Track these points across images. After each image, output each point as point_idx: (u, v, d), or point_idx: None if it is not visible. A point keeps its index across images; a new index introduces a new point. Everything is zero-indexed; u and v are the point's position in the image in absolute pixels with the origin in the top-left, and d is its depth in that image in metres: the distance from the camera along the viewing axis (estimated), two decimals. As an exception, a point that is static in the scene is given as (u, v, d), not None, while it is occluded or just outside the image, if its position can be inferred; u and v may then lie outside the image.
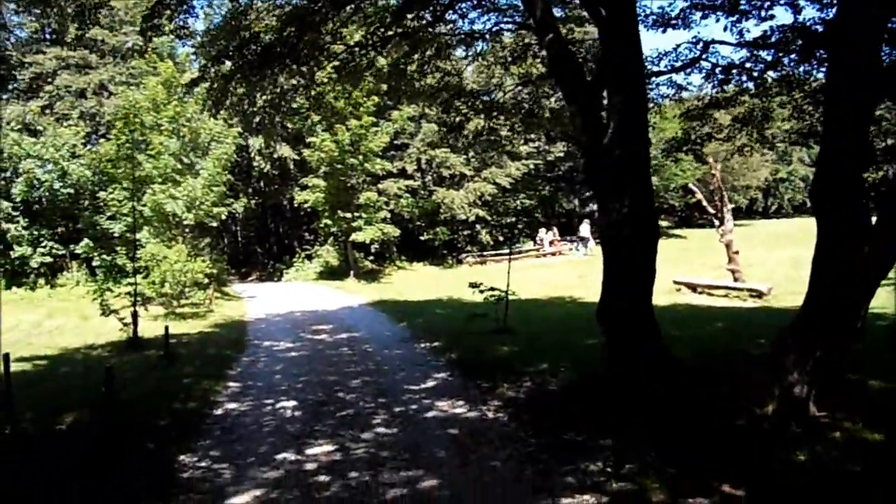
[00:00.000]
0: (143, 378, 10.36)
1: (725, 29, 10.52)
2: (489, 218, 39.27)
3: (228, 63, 10.67)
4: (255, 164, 36.57)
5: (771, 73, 11.26)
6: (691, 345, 9.98)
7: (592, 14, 8.29)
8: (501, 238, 40.29)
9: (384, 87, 21.40)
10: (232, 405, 8.63)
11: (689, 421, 6.36)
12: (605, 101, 8.44)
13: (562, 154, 41.96)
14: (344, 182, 30.60)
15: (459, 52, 14.99)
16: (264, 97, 12.58)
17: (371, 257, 35.56)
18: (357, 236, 30.61)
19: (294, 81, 12.91)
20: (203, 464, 6.42)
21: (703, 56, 10.41)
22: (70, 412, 8.25)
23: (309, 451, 6.62)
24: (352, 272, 31.44)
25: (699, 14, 10.94)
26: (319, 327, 15.66)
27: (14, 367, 12.17)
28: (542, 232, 39.03)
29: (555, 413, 7.37)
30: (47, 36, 39.02)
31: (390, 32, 11.41)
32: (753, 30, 50.05)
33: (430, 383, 9.47)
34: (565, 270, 28.37)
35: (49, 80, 35.84)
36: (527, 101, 13.96)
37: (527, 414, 7.57)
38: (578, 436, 6.58)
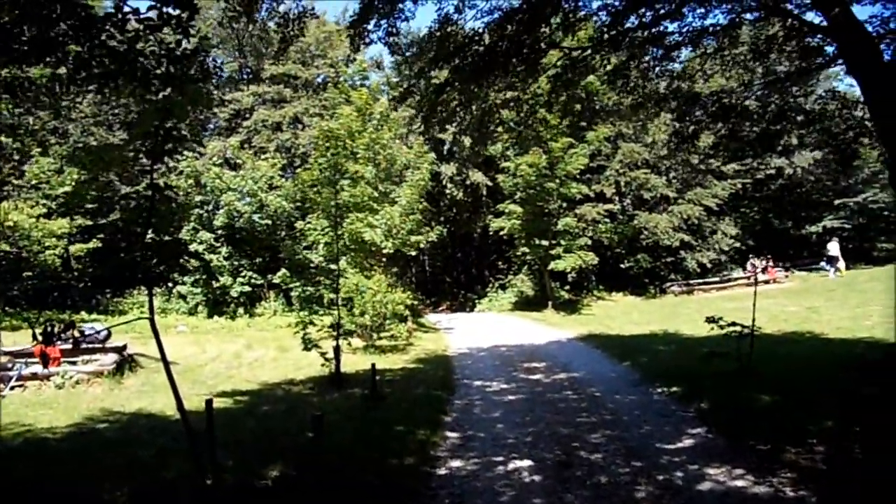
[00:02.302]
0: (350, 421, 9.69)
1: None
2: (695, 243, 36.77)
3: (439, 73, 10.00)
4: (446, 191, 36.56)
5: None
6: None
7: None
8: (709, 265, 37.56)
9: (577, 107, 20.48)
10: (455, 463, 7.63)
11: None
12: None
13: (773, 171, 38.66)
14: (541, 208, 29.59)
15: (686, 53, 13.55)
16: (474, 112, 11.78)
17: (567, 287, 34.18)
18: (556, 265, 29.40)
19: (506, 95, 12.10)
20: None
21: None
22: (274, 462, 7.59)
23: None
24: (549, 303, 30.26)
25: None
26: (531, 364, 14.54)
27: (217, 402, 11.98)
28: (753, 258, 36.04)
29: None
30: (245, 76, 41.59)
31: (612, 32, 10.28)
32: None
33: (687, 441, 8.01)
34: (787, 301, 25.52)
35: (247, 115, 38.07)
36: (775, 103, 12.25)
37: (844, 494, 6.00)
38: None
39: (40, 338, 4.66)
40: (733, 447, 7.58)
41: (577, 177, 30.00)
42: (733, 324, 11.39)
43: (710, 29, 11.19)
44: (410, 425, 9.27)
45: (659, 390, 11.04)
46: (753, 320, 11.54)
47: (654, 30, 10.29)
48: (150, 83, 5.84)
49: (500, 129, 16.99)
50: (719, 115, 11.78)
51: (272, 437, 9.05)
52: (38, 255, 23.99)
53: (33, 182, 25.67)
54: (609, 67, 12.03)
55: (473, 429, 9.18)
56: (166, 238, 26.25)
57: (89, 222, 26.26)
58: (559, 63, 11.08)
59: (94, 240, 25.72)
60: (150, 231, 6.68)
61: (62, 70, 6.44)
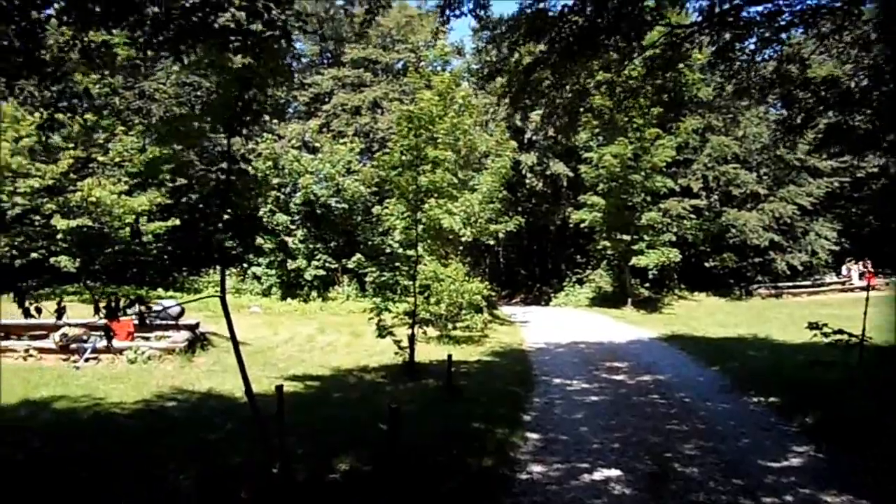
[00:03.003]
0: (425, 414, 9.31)
1: None
2: (785, 244, 35.11)
3: (529, 49, 9.43)
4: (526, 181, 35.84)
5: None
6: None
7: None
8: (800, 267, 35.83)
9: (665, 97, 19.52)
10: (537, 468, 7.09)
11: None
12: None
13: (875, 170, 36.51)
14: (624, 201, 28.63)
15: (797, 34, 12.55)
16: (566, 94, 11.14)
17: (647, 284, 33.08)
18: (638, 260, 28.43)
19: (599, 78, 11.44)
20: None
21: None
22: (345, 455, 7.23)
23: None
24: (629, 300, 29.32)
25: None
26: (613, 364, 13.87)
27: (287, 386, 11.73)
28: (850, 262, 34.26)
29: None
30: (325, 60, 41.74)
31: (725, 6, 9.49)
32: None
33: (794, 460, 7.27)
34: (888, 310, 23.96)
35: (326, 99, 38.17)
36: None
37: None
38: None
39: (103, 311, 4.35)
40: (851, 471, 6.84)
41: (664, 169, 28.91)
42: (839, 331, 10.48)
43: (827, 7, 10.28)
44: (489, 422, 8.80)
45: (755, 399, 10.28)
46: (864, 328, 10.61)
47: (767, 5, 9.45)
48: (228, 43, 5.49)
49: (589, 114, 16.25)
50: (833, 102, 10.84)
51: (344, 426, 8.76)
52: (118, 230, 24.48)
53: (116, 160, 26.17)
54: (712, 49, 11.26)
55: (555, 430, 8.64)
56: (241, 214, 26.41)
57: (169, 200, 26.62)
58: (660, 42, 10.37)
59: (173, 218, 26.06)
60: (225, 206, 6.34)
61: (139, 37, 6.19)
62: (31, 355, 13.26)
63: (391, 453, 6.76)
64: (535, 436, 8.38)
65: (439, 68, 31.14)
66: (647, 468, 6.98)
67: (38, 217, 24.16)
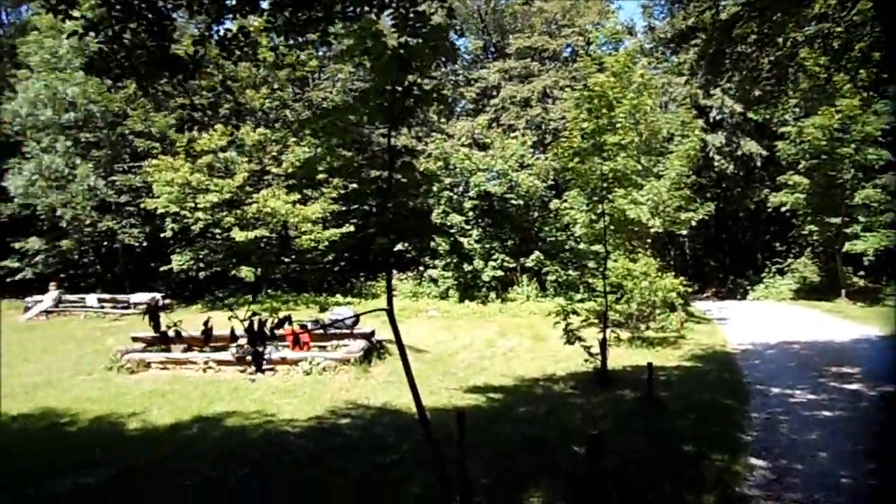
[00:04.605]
0: (623, 431, 8.28)
1: None
2: None
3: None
4: (714, 163, 33.38)
5: None
6: None
7: None
8: None
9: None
10: (774, 511, 5.90)
11: None
12: None
13: None
14: (831, 178, 25.72)
15: None
16: (771, 55, 9.66)
17: (862, 272, 29.65)
18: (852, 246, 25.42)
19: (810, 30, 9.86)
20: None
21: None
22: (535, 488, 6.43)
23: None
24: (842, 291, 26.37)
25: None
26: (841, 369, 12.01)
27: (466, 400, 11.13)
28: None
29: None
30: (490, 54, 41.26)
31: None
32: None
33: None
34: None
35: (494, 93, 37.62)
36: None
37: None
38: None
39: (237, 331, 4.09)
40: None
41: (879, 139, 25.64)
42: None
43: None
44: (701, 444, 7.65)
45: None
46: None
47: None
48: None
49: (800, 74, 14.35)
50: None
51: (531, 447, 7.94)
52: (294, 239, 25.17)
53: (290, 170, 26.96)
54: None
55: (786, 456, 7.31)
56: (406, 213, 26.34)
57: (342, 208, 27.04)
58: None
59: (347, 224, 26.44)
60: (387, 205, 5.71)
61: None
62: (210, 367, 13.57)
63: (592, 489, 5.84)
64: (761, 463, 7.11)
65: (611, 50, 29.62)
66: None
67: (218, 230, 25.28)
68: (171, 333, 3.93)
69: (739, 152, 32.85)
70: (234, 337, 4.17)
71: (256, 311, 4.21)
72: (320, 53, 31.08)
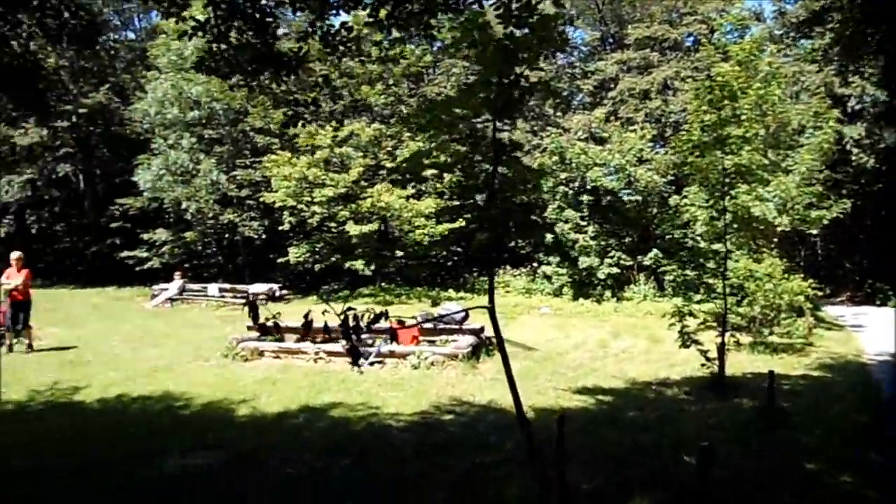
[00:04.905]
0: (738, 444, 7.75)
1: None
2: None
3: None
4: (851, 157, 31.27)
5: None
6: None
7: None
8: None
9: None
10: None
11: None
12: None
13: None
14: None
15: None
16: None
17: None
18: None
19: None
20: None
21: None
22: (641, 498, 6.05)
23: None
24: None
25: None
26: None
27: (576, 401, 10.74)
28: None
29: None
30: (608, 45, 40.41)
31: None
32: None
33: None
34: None
35: (611, 85, 36.74)
36: None
37: None
38: None
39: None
40: None
41: None
42: None
43: None
44: (827, 463, 7.03)
45: None
46: None
47: None
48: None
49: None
50: None
51: (639, 455, 7.55)
52: (407, 234, 25.39)
53: (405, 165, 27.23)
54: None
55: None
56: (512, 208, 26.12)
57: (455, 203, 27.00)
58: None
59: (460, 220, 26.42)
60: (493, 199, 5.51)
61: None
62: (321, 358, 13.75)
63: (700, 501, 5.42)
64: (897, 489, 6.44)
65: (736, 38, 28.27)
66: None
67: (333, 224, 25.80)
68: (269, 325, 4.16)
69: (882, 145, 30.63)
70: (326, 330, 4.24)
71: (352, 306, 4.28)
72: (434, 48, 31.21)
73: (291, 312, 4.12)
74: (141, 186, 28.48)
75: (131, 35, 39.23)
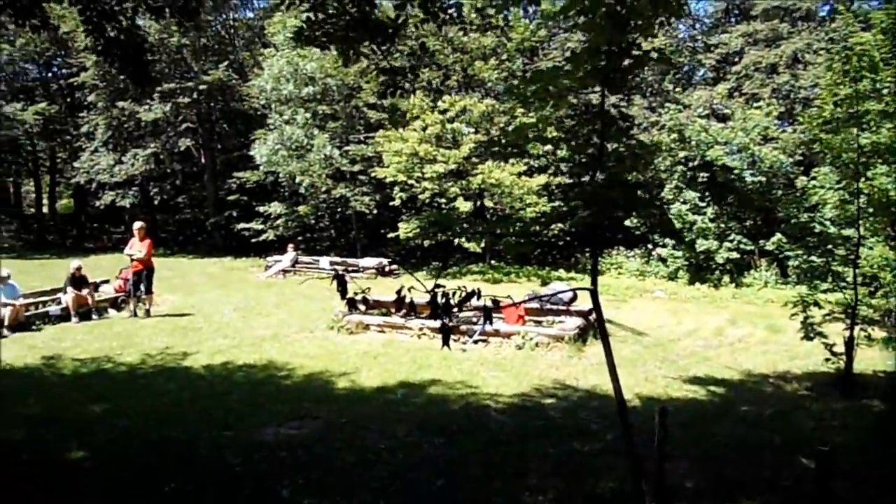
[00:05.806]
0: (864, 450, 7.24)
1: None
2: None
3: None
4: None
5: None
6: None
7: None
8: None
9: None
10: None
11: None
12: None
13: None
14: None
15: None
16: None
17: None
18: None
19: None
20: None
21: None
22: (748, 498, 5.75)
23: None
24: None
25: None
26: None
27: (684, 391, 10.27)
28: None
29: None
30: (733, 17, 38.77)
31: None
32: None
33: None
34: None
35: (736, 59, 35.22)
36: None
37: None
38: None
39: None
40: None
41: None
42: None
43: None
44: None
45: None
46: None
47: None
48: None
49: None
50: None
51: (750, 454, 7.18)
52: (518, 211, 25.20)
53: (508, 139, 26.92)
54: None
55: None
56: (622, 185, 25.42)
57: (568, 180, 26.49)
58: None
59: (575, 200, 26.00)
60: (597, 176, 5.18)
61: None
62: (424, 334, 13.75)
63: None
64: None
65: (881, 3, 26.42)
66: None
67: (443, 200, 25.86)
68: (357, 299, 4.12)
69: None
70: (412, 307, 4.15)
71: (440, 284, 4.16)
72: (549, 23, 30.63)
73: (396, 287, 4.13)
74: (257, 161, 29.25)
75: (250, 14, 40.28)
